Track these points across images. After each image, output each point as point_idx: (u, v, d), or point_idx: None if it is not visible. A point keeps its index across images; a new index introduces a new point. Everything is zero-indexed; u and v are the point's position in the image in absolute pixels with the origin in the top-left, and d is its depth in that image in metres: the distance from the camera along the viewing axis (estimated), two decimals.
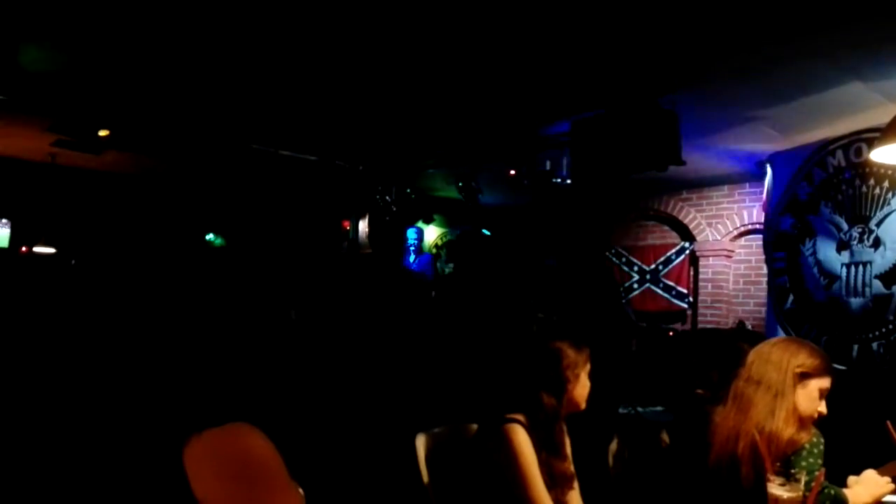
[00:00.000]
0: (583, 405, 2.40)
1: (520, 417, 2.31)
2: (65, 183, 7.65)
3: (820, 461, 2.05)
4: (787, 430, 2.03)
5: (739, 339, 3.07)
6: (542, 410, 2.31)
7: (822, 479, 1.87)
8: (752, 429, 2.01)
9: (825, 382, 2.13)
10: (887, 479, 2.07)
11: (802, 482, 1.81)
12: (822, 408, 2.13)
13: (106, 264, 7.83)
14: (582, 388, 2.39)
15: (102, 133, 5.64)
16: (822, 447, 2.08)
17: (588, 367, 2.41)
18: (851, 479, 2.11)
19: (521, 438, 2.25)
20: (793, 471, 1.84)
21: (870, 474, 2.09)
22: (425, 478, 2.51)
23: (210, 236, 8.99)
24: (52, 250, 7.88)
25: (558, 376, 2.34)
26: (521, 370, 2.44)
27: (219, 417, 1.31)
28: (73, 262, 7.99)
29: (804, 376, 2.09)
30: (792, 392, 2.07)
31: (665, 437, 2.85)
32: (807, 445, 2.05)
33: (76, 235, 8.04)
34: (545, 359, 2.37)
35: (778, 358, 2.12)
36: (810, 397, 2.10)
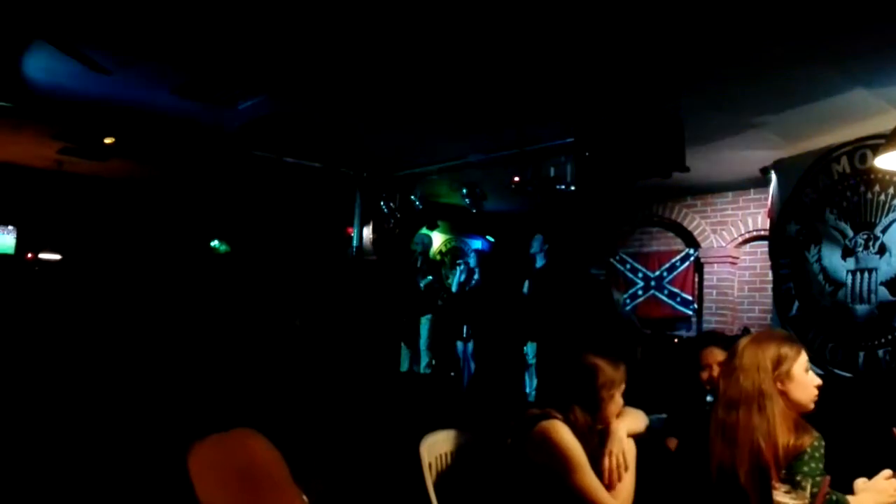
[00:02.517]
0: (613, 421, 2.31)
1: (556, 415, 2.22)
2: (71, 190, 7.68)
3: (821, 465, 2.01)
4: (785, 438, 1.97)
5: (703, 345, 3.04)
6: (575, 423, 2.22)
7: (828, 486, 1.85)
8: (746, 455, 1.93)
9: (803, 357, 2.07)
10: (894, 484, 2.03)
11: (808, 490, 1.80)
12: (815, 380, 2.08)
13: (112, 271, 7.85)
14: (616, 406, 2.30)
15: (108, 140, 5.67)
16: (822, 451, 2.03)
17: (623, 385, 2.31)
18: (859, 482, 2.06)
19: (563, 431, 2.17)
20: (798, 478, 1.83)
21: (878, 481, 2.03)
22: (429, 485, 2.51)
23: (215, 243, 9.01)
24: (57, 257, 7.91)
25: (593, 394, 2.25)
26: (556, 382, 2.34)
27: (223, 423, 1.31)
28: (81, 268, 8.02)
29: (786, 375, 2.03)
30: (778, 399, 2.01)
31: (671, 443, 2.84)
32: (808, 449, 2.00)
33: (82, 242, 8.07)
34: (581, 374, 2.26)
35: (751, 376, 2.03)
36: (801, 383, 2.05)
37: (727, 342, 3.02)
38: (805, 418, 2.09)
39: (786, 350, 2.07)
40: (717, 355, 2.90)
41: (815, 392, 2.08)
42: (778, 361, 2.05)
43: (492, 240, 9.13)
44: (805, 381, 2.07)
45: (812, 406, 2.08)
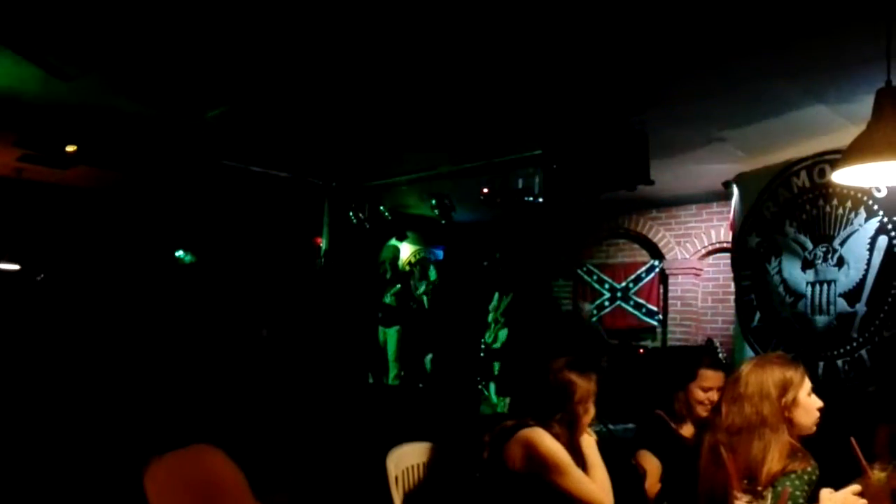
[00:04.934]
0: (586, 429, 2.38)
1: (535, 423, 2.27)
2: (31, 198, 7.50)
3: (807, 489, 1.97)
4: (777, 464, 1.97)
5: (689, 357, 3.00)
6: (557, 437, 2.26)
7: (787, 498, 1.86)
8: (737, 482, 1.88)
9: (807, 383, 2.08)
10: (860, 501, 2.00)
11: (769, 499, 1.82)
12: (817, 402, 2.08)
13: (73, 281, 7.68)
14: (589, 417, 2.36)
15: (70, 148, 5.56)
16: (813, 478, 2.00)
17: (595, 395, 2.37)
18: (824, 492, 2.05)
19: (545, 436, 2.22)
20: (759, 488, 1.84)
21: (847, 496, 1.95)
22: (396, 498, 2.49)
23: (180, 253, 8.86)
24: (16, 267, 7.71)
25: (571, 411, 2.31)
26: (532, 401, 2.38)
27: (183, 439, 1.29)
28: (39, 277, 7.82)
29: (793, 403, 2.03)
30: (779, 427, 2.00)
31: (643, 461, 2.77)
32: (798, 471, 1.98)
33: (42, 252, 7.88)
34: (558, 394, 2.31)
35: (755, 404, 2.03)
36: (806, 408, 2.06)
37: (715, 360, 2.96)
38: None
39: (790, 376, 2.05)
40: (712, 379, 2.82)
41: (818, 415, 2.08)
42: (783, 389, 2.04)
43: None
44: (809, 406, 2.07)
45: (814, 429, 2.08)
